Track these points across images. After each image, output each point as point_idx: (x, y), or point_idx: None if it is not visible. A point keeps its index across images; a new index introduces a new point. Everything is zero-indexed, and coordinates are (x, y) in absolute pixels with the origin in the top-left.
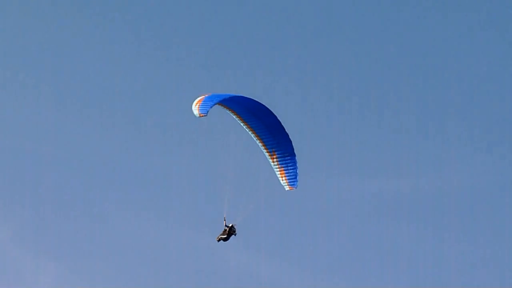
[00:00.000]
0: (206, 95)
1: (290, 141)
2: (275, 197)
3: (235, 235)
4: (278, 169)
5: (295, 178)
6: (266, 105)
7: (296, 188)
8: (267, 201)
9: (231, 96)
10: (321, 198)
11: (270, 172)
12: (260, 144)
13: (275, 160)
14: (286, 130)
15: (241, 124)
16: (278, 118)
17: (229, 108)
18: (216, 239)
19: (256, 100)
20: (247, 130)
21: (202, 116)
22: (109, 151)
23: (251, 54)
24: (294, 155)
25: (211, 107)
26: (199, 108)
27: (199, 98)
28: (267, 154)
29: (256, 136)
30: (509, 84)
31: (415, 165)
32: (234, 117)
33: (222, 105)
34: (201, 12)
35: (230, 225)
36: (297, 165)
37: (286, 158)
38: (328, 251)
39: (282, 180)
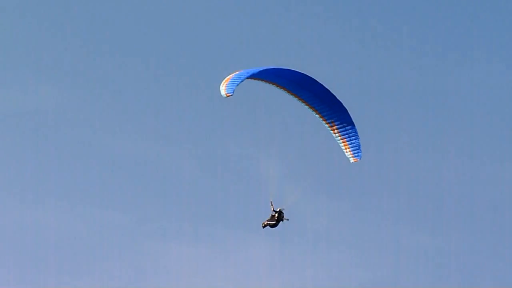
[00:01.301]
0: (237, 72)
1: (346, 110)
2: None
3: (283, 221)
4: (341, 141)
5: (359, 149)
6: (309, 74)
7: (360, 159)
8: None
9: (265, 69)
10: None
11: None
12: (317, 116)
13: (336, 131)
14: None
15: (292, 97)
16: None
17: (271, 82)
18: (261, 225)
19: (296, 70)
20: (300, 103)
21: (229, 95)
22: None
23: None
24: (353, 124)
25: (237, 85)
26: (226, 88)
27: (228, 77)
28: (326, 125)
29: (312, 108)
30: None
31: None
32: (281, 90)
33: (260, 80)
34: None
35: (278, 209)
36: (358, 135)
37: (347, 128)
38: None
39: (347, 152)
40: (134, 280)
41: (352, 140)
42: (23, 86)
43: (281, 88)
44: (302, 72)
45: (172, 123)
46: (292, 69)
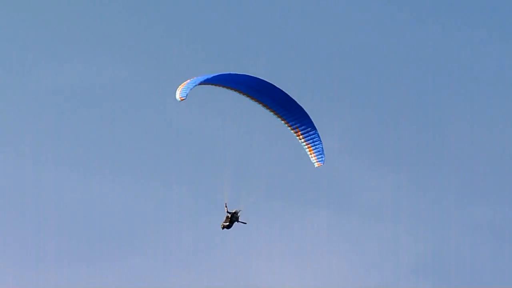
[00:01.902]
0: (193, 78)
1: (308, 115)
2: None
3: (238, 222)
4: (305, 146)
5: (322, 153)
6: (267, 81)
7: (323, 164)
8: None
9: (222, 75)
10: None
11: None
12: (282, 122)
13: (300, 136)
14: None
15: (256, 104)
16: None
17: (232, 88)
18: (220, 227)
19: (254, 76)
20: (264, 109)
21: (182, 99)
22: None
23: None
24: (316, 129)
25: (191, 89)
26: (180, 92)
27: (184, 82)
28: (291, 131)
29: (276, 114)
30: None
31: None
32: (244, 97)
33: (220, 86)
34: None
35: (234, 211)
36: (321, 139)
37: (310, 133)
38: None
39: (311, 156)
40: (194, 255)
41: (316, 144)
42: (86, 61)
43: (244, 94)
44: (263, 79)
45: None
46: (251, 75)
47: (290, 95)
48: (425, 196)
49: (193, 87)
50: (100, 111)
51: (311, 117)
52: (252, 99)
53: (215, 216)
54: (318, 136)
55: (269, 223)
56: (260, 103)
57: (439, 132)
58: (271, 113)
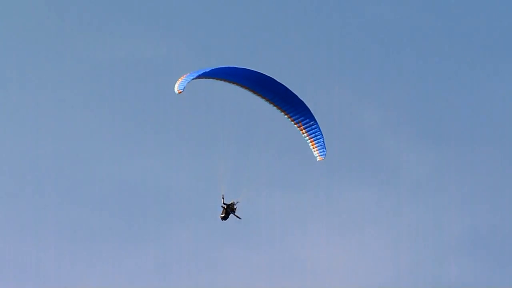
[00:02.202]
0: (193, 71)
1: (310, 110)
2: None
3: (234, 212)
4: (308, 140)
5: (324, 147)
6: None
7: (325, 158)
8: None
9: (222, 68)
10: None
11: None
12: (285, 117)
13: (303, 131)
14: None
15: (257, 97)
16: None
17: (234, 82)
18: (220, 219)
19: (255, 70)
20: (266, 103)
21: (180, 92)
22: None
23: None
24: (317, 123)
25: (188, 82)
26: (178, 85)
27: (184, 75)
28: (295, 125)
29: (280, 109)
30: None
31: None
32: (246, 90)
33: (221, 79)
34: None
35: (230, 202)
36: (322, 133)
37: (313, 127)
38: None
39: (314, 150)
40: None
41: (318, 138)
42: (142, 34)
43: (246, 88)
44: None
45: None
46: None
47: (295, 90)
48: (470, 171)
49: (191, 80)
50: (156, 84)
51: (313, 113)
52: (254, 93)
53: (267, 189)
54: (320, 130)
55: (312, 198)
56: (263, 98)
57: (485, 106)
58: (275, 107)
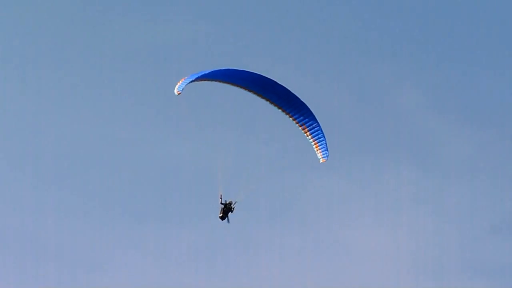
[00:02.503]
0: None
1: (312, 112)
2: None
3: (232, 211)
4: (312, 142)
5: (326, 149)
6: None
7: (327, 159)
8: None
9: (226, 70)
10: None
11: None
12: (290, 119)
13: (308, 133)
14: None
15: (261, 99)
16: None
17: (235, 84)
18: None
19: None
20: (270, 105)
21: (179, 93)
22: None
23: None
24: (319, 125)
25: (186, 84)
26: (177, 86)
27: (184, 77)
28: (299, 128)
29: (284, 111)
30: None
31: None
32: (247, 92)
33: (222, 82)
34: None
35: (229, 201)
36: (324, 134)
37: (315, 129)
38: None
39: (317, 152)
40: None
41: (321, 140)
42: (168, 19)
43: (250, 91)
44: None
45: None
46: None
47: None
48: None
49: (189, 82)
50: (179, 68)
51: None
52: (258, 95)
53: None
54: (322, 132)
55: (353, 179)
56: (267, 100)
57: None
58: (279, 110)
